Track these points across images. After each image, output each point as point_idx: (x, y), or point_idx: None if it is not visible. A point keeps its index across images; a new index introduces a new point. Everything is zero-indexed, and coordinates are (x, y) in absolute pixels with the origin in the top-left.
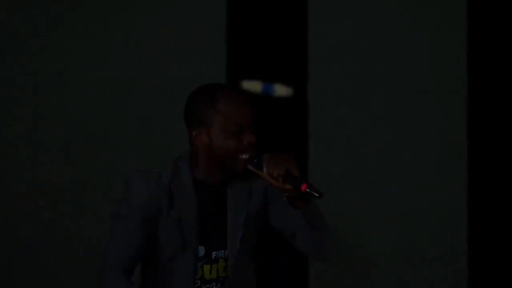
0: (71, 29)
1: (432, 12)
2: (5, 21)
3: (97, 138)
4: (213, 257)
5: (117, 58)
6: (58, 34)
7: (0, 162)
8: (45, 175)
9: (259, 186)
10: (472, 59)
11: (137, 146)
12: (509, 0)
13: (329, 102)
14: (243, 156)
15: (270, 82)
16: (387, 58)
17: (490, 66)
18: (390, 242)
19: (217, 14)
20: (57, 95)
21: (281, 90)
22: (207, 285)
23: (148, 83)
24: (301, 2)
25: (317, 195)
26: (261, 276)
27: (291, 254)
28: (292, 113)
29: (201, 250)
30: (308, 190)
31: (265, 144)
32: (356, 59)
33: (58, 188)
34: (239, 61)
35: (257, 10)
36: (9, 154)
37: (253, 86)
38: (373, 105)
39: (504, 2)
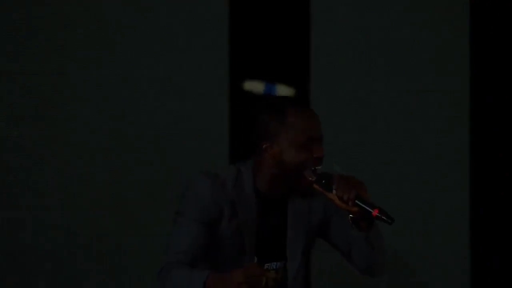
0: (69, 29)
1: (434, 12)
2: (5, 21)
3: (98, 138)
4: (265, 268)
5: (117, 58)
6: (58, 34)
7: (0, 162)
8: (45, 175)
9: (319, 201)
10: (474, 59)
11: (137, 146)
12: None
13: (331, 102)
14: (310, 177)
15: (272, 82)
16: (389, 58)
17: (492, 66)
18: (391, 242)
19: (219, 14)
20: (57, 95)
21: (283, 90)
22: None
23: (149, 83)
24: (304, 2)
25: (389, 220)
26: None
27: None
28: None
29: (254, 261)
30: (379, 215)
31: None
32: (359, 59)
33: (58, 188)
34: (242, 61)
35: (259, 10)
36: (9, 154)
37: (255, 86)
38: (375, 105)
39: (507, 2)
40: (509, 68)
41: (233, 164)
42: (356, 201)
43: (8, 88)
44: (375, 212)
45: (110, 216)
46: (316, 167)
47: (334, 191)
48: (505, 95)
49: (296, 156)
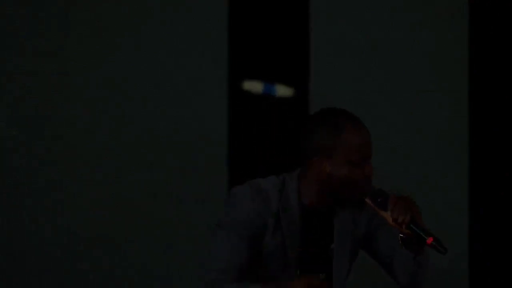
0: (69, 29)
1: (433, 12)
2: (5, 21)
3: (97, 138)
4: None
5: (117, 59)
6: (58, 34)
7: (0, 162)
8: (45, 175)
9: (364, 214)
10: (474, 59)
11: (137, 146)
12: (511, 0)
13: (330, 102)
14: (368, 199)
15: (272, 82)
16: (389, 58)
17: (492, 66)
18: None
19: (218, 14)
20: (57, 95)
21: (282, 90)
22: None
23: (148, 83)
24: (303, 2)
25: (443, 251)
26: None
27: None
28: (293, 114)
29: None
30: (434, 243)
31: (265, 144)
32: (358, 60)
33: (58, 188)
34: (241, 61)
35: (258, 10)
36: (9, 154)
37: (254, 86)
38: (375, 106)
39: (506, 2)
40: (508, 67)
41: (276, 175)
42: (411, 225)
43: (8, 88)
44: (429, 240)
45: (110, 216)
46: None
47: (389, 212)
48: (504, 95)
49: (349, 173)
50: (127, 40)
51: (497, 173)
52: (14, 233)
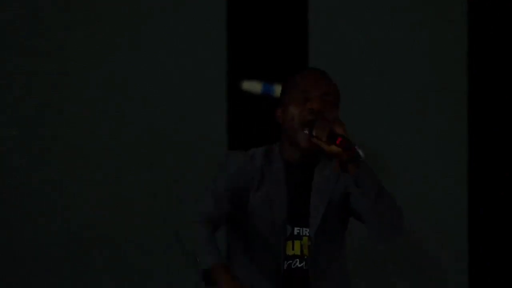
0: (69, 29)
1: (432, 12)
2: (5, 21)
3: (96, 138)
4: (295, 233)
5: (116, 59)
6: (58, 34)
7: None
8: (45, 175)
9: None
10: (472, 59)
11: (137, 147)
12: (510, 0)
13: None
14: (305, 130)
15: (270, 82)
16: (387, 58)
17: (491, 66)
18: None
19: (217, 14)
20: (56, 96)
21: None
22: (289, 261)
23: (148, 83)
24: (302, 2)
25: (349, 146)
26: None
27: None
28: None
29: (288, 229)
30: (342, 143)
31: (265, 144)
32: (357, 60)
33: (58, 188)
34: (240, 61)
35: (257, 10)
36: (9, 154)
37: (253, 86)
38: (374, 105)
39: (504, 2)
40: (508, 67)
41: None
42: (329, 136)
43: (8, 88)
44: (338, 140)
45: (110, 216)
46: (310, 119)
47: (314, 133)
48: (504, 95)
49: (290, 111)
50: (127, 40)
51: (496, 173)
52: (14, 233)
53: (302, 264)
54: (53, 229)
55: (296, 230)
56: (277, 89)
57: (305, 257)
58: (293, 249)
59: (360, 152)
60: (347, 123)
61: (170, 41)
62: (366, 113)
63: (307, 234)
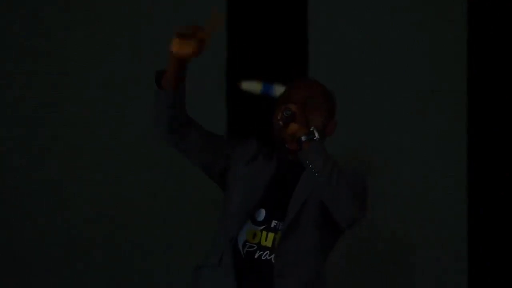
0: (69, 29)
1: (432, 11)
2: (5, 21)
3: (98, 138)
4: (272, 225)
5: (116, 59)
6: (58, 34)
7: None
8: (45, 175)
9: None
10: (472, 59)
11: (137, 146)
12: (509, 0)
13: None
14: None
15: (270, 82)
16: (387, 58)
17: (490, 66)
18: (388, 241)
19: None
20: (56, 95)
21: (281, 90)
22: (261, 252)
23: (147, 83)
24: (301, 2)
25: (286, 113)
26: None
27: None
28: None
29: (261, 214)
30: (284, 114)
31: (265, 143)
32: (356, 60)
33: (58, 188)
34: (239, 62)
35: (257, 10)
36: (9, 154)
37: (252, 86)
38: (373, 105)
39: (504, 2)
40: (507, 67)
41: None
42: (284, 114)
43: (8, 88)
44: (283, 109)
45: (110, 216)
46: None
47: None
48: (503, 95)
49: (275, 115)
50: (126, 40)
51: (496, 173)
52: (14, 233)
53: (271, 257)
54: (53, 229)
55: (273, 222)
56: (277, 89)
57: (276, 250)
58: (266, 240)
59: (315, 132)
60: (346, 122)
61: (169, 40)
62: (366, 113)
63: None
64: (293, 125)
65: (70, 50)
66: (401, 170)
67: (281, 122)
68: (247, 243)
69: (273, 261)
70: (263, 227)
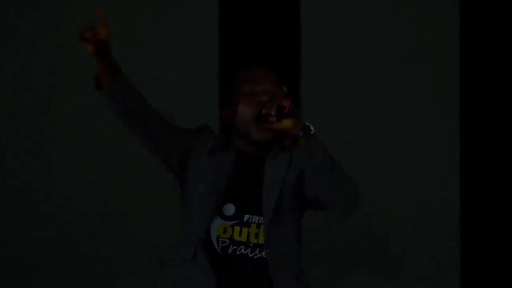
0: (69, 29)
1: (425, 11)
2: (5, 21)
3: (98, 138)
4: (244, 220)
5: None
6: (58, 34)
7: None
8: (45, 175)
9: (297, 158)
10: (465, 57)
11: (137, 146)
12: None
13: (321, 101)
14: (259, 123)
15: None
16: (380, 56)
17: (483, 65)
18: (382, 240)
19: (209, 13)
20: (55, 95)
21: None
22: (235, 247)
23: (139, 81)
24: (294, 2)
25: (296, 110)
26: None
27: None
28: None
29: (230, 209)
30: (290, 110)
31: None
32: (349, 58)
33: (58, 188)
34: (232, 60)
35: (250, 8)
36: (9, 154)
37: None
38: (366, 104)
39: (497, 2)
40: (499, 65)
41: None
42: (279, 112)
43: (8, 88)
44: (286, 109)
45: (110, 216)
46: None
47: (263, 110)
48: (496, 93)
49: (242, 109)
50: (121, 39)
51: (488, 171)
52: (14, 233)
53: (247, 251)
54: (52, 228)
55: (246, 217)
56: None
57: (251, 244)
58: (240, 235)
59: (311, 127)
60: (340, 121)
61: (162, 39)
62: (358, 112)
63: (256, 221)
64: (287, 121)
65: (70, 50)
66: (392, 168)
67: (274, 118)
68: (219, 239)
69: (250, 254)
70: (234, 222)
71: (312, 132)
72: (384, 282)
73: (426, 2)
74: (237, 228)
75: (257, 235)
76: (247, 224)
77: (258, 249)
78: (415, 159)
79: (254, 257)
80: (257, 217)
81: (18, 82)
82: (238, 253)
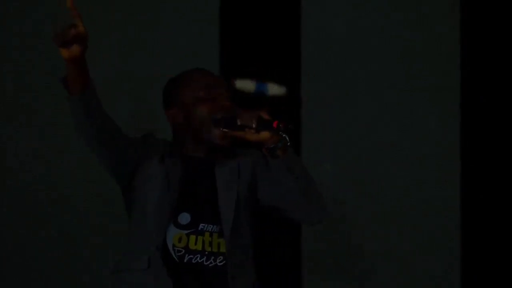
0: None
1: (425, 10)
2: (5, 21)
3: None
4: (199, 228)
5: (112, 58)
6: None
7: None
8: (45, 175)
9: (246, 162)
10: (465, 57)
11: None
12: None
13: (322, 100)
14: (221, 128)
15: (264, 81)
16: (380, 56)
17: (483, 65)
18: (383, 240)
19: (210, 13)
20: (56, 95)
21: (274, 89)
22: (190, 256)
23: (139, 81)
24: (294, 1)
25: (289, 126)
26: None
27: (283, 237)
28: (285, 112)
29: (185, 218)
30: (280, 125)
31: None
32: (349, 58)
33: (57, 188)
34: (232, 60)
35: (250, 8)
36: (9, 154)
37: (246, 85)
38: (366, 104)
39: (497, 1)
40: (500, 65)
41: None
42: (259, 123)
43: (8, 88)
44: (275, 123)
45: (110, 216)
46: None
47: (238, 122)
48: (496, 93)
49: (200, 110)
50: (117, 38)
51: (489, 171)
52: (14, 233)
53: (202, 260)
54: (52, 229)
55: (201, 225)
56: (271, 88)
57: (206, 252)
58: (195, 244)
59: (287, 137)
60: (340, 121)
61: (162, 39)
62: (359, 112)
63: (210, 230)
64: (265, 133)
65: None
66: (392, 168)
67: (254, 130)
68: (175, 248)
69: (205, 262)
70: (189, 231)
71: (288, 144)
72: (384, 282)
73: (426, 2)
74: (192, 237)
75: (211, 244)
76: (201, 233)
77: (212, 257)
78: (415, 159)
79: (210, 266)
80: (212, 226)
81: (18, 82)
82: (194, 261)
